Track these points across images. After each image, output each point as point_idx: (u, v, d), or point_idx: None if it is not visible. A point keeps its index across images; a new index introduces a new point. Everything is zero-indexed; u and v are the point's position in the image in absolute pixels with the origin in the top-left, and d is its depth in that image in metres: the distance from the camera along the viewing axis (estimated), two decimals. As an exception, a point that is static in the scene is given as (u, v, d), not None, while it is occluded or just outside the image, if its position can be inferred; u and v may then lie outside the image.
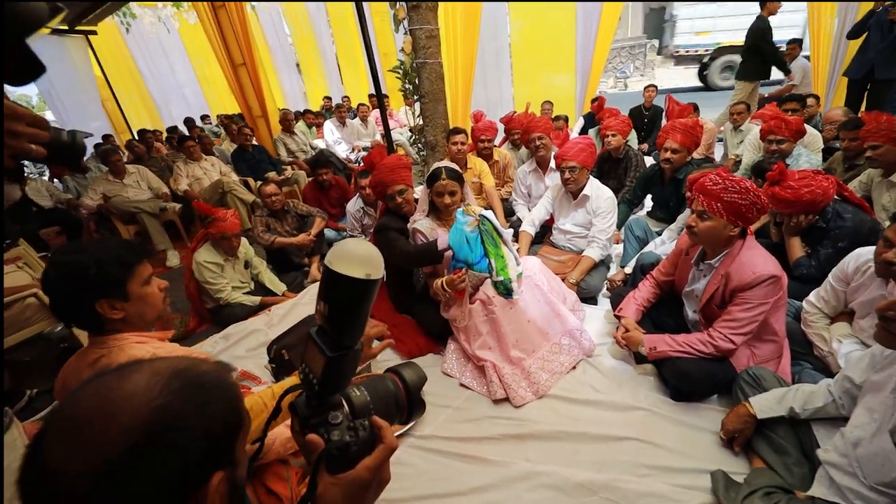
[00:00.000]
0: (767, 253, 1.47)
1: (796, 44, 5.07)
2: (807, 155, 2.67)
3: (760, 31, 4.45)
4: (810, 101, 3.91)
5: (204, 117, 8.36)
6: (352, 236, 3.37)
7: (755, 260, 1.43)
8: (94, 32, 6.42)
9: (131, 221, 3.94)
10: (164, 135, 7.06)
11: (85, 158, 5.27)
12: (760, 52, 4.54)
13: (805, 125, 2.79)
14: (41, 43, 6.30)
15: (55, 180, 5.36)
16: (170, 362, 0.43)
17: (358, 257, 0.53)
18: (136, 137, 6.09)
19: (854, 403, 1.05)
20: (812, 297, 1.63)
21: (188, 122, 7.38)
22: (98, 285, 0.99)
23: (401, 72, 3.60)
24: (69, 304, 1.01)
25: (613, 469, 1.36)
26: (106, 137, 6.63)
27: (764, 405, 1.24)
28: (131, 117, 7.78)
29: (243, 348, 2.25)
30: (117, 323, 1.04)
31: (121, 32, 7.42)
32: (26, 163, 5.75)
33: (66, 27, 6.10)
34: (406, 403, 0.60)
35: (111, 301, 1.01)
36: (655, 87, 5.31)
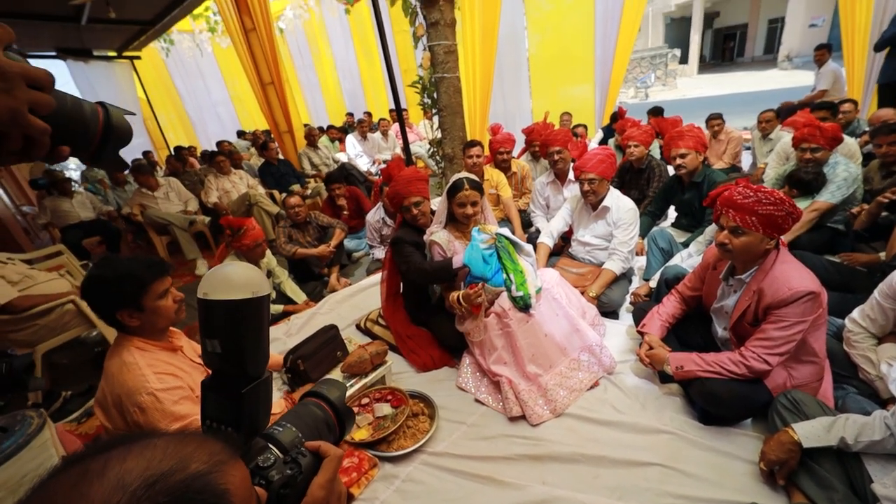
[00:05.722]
0: (803, 266, 1.38)
1: (825, 49, 4.84)
2: (844, 163, 2.51)
3: None
4: (846, 106, 3.70)
5: (241, 133, 8.73)
6: (372, 247, 3.40)
7: (790, 274, 1.33)
8: (139, 57, 6.90)
9: (164, 232, 4.13)
10: (199, 150, 7.44)
11: (125, 172, 5.56)
12: None
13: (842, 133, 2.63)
14: (93, 69, 6.80)
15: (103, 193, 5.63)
16: (147, 462, 0.32)
17: (238, 280, 0.50)
18: (173, 154, 6.45)
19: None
20: (856, 314, 1.50)
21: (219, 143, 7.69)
22: (118, 298, 1.19)
23: (420, 86, 3.68)
24: (98, 311, 1.24)
25: (636, 497, 1.27)
26: (146, 154, 7.05)
27: (810, 433, 1.13)
28: (169, 135, 8.27)
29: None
30: (133, 327, 1.24)
31: (161, 56, 7.96)
32: (72, 175, 6.14)
33: (114, 53, 6.58)
34: (336, 423, 0.56)
35: (129, 311, 1.20)
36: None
